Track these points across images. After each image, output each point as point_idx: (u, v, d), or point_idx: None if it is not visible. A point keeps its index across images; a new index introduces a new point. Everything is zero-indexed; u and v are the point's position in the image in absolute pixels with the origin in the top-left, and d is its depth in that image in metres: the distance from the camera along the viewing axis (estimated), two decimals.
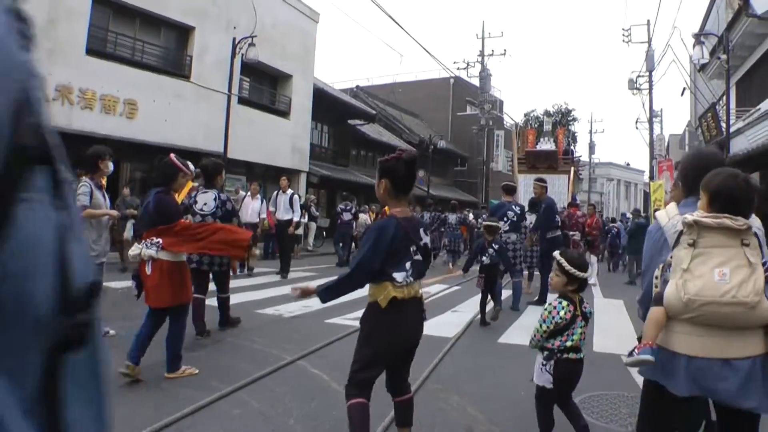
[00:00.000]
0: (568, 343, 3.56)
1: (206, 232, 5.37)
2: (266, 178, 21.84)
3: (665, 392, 2.54)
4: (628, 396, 4.79)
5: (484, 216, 23.81)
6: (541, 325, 3.61)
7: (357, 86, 37.22)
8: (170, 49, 17.54)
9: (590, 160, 51.89)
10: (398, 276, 3.14)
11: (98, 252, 5.98)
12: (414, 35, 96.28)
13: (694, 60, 17.12)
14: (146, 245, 4.92)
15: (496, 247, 8.10)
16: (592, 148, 52.01)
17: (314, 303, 8.92)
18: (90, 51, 14.51)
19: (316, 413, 4.28)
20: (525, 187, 20.24)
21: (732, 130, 17.35)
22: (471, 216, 22.33)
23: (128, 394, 4.51)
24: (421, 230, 3.33)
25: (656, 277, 2.62)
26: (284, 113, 22.01)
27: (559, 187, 22.79)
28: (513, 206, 9.95)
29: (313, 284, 3.33)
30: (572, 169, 23.00)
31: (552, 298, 3.92)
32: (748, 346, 2.39)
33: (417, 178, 3.20)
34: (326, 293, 3.17)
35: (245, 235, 5.87)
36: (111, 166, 6.23)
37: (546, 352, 3.61)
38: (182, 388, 4.74)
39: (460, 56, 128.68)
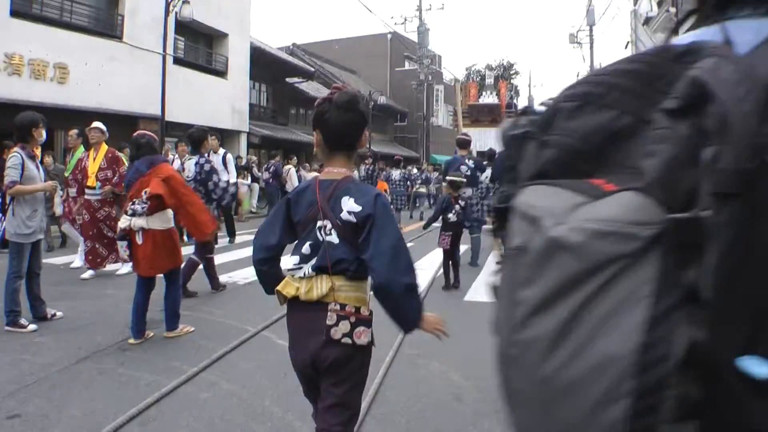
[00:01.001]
0: None
1: (186, 196, 5.42)
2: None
3: None
4: None
5: (423, 176, 24.08)
6: None
7: (294, 44, 36.50)
8: (101, 9, 16.80)
9: None
10: (287, 261, 2.34)
11: (33, 229, 5.58)
12: None
13: (641, 12, 17.19)
14: (135, 211, 5.03)
15: (462, 204, 7.85)
16: (531, 101, 52.56)
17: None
18: (15, 13, 13.80)
19: (290, 391, 3.75)
20: (475, 140, 20.42)
21: None
22: (414, 171, 22.41)
23: (85, 387, 4.14)
24: (346, 199, 2.25)
25: None
26: (222, 73, 21.55)
27: None
28: (466, 160, 9.75)
29: None
30: None
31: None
32: None
33: (360, 130, 2.37)
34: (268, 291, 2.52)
35: (211, 225, 5.88)
36: (44, 134, 5.83)
37: None
38: (142, 372, 4.43)
39: (397, 12, 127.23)
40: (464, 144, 10.13)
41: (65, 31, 15.12)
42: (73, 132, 8.94)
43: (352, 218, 2.20)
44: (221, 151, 10.97)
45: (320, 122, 2.32)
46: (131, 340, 5.14)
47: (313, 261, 2.24)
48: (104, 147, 8.21)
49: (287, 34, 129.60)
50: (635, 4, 27.88)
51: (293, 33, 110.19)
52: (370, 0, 45.88)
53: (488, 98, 24.18)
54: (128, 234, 5.13)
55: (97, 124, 8.26)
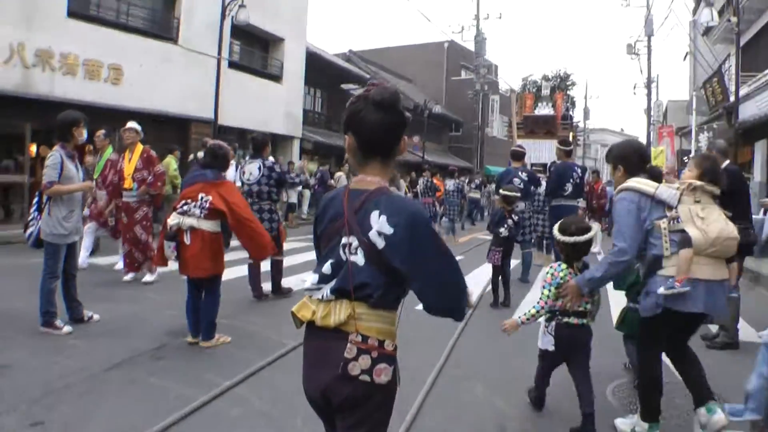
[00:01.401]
0: (568, 305, 3.66)
1: (248, 220, 5.43)
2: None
3: (665, 321, 3.49)
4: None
5: (476, 182, 23.47)
6: (543, 290, 3.82)
7: (350, 50, 36.37)
8: (157, 11, 16.72)
9: (585, 125, 51.33)
10: (309, 279, 2.01)
11: (69, 230, 5.36)
12: None
13: (701, 22, 16.40)
14: (188, 210, 5.08)
15: (515, 218, 7.37)
16: (587, 113, 51.46)
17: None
18: (71, 13, 13.71)
19: None
20: (529, 152, 19.76)
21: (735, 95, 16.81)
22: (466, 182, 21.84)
23: (114, 396, 3.98)
24: (376, 215, 1.89)
25: (664, 229, 3.40)
26: (276, 78, 21.29)
27: None
28: (520, 172, 9.25)
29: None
30: (571, 134, 22.50)
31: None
32: (725, 270, 3.47)
33: (399, 134, 2.01)
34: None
35: (271, 249, 5.85)
36: (85, 133, 5.59)
37: (548, 314, 3.79)
38: (174, 383, 4.25)
39: (454, 20, 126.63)
40: (518, 156, 9.67)
41: (121, 33, 15.03)
42: (101, 133, 8.68)
43: (381, 241, 1.88)
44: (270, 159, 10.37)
45: (353, 123, 1.98)
46: (189, 338, 5.24)
47: (333, 282, 1.93)
48: (139, 147, 7.92)
49: (345, 40, 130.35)
50: (694, 14, 26.88)
51: (351, 40, 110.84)
52: (427, 8, 45.51)
53: (544, 109, 23.43)
54: (177, 234, 5.09)
55: (131, 124, 7.93)
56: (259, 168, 7.16)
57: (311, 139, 23.12)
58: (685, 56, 28.05)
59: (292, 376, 4.35)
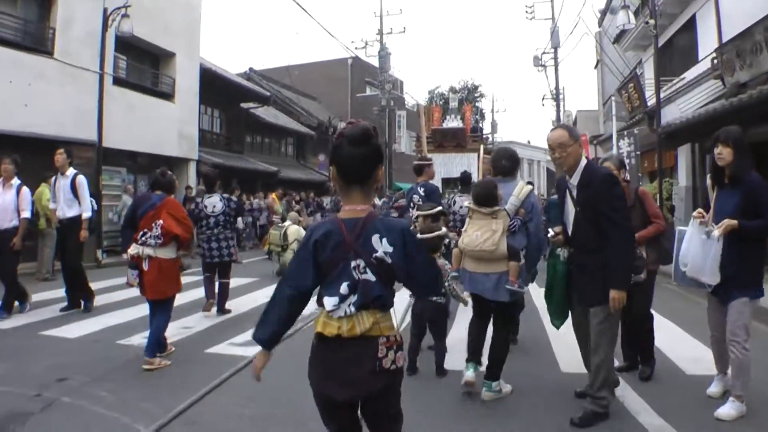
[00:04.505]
0: None
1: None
2: (152, 168, 19.60)
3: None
4: None
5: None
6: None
7: (250, 68, 35.01)
8: (29, 21, 14.87)
9: (493, 138, 51.71)
10: (327, 302, 2.33)
11: None
12: (310, 13, 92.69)
13: (618, 24, 16.21)
14: (144, 241, 5.66)
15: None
16: (494, 126, 51.92)
17: (192, 323, 7.91)
18: None
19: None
20: (438, 166, 18.91)
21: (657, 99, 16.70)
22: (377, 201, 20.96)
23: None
24: (377, 238, 2.34)
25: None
26: (168, 96, 19.63)
27: (469, 166, 21.78)
28: (418, 188, 8.12)
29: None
30: (481, 146, 22.00)
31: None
32: (496, 267, 4.70)
33: (374, 164, 2.39)
34: (258, 331, 2.44)
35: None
36: None
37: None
38: (111, 411, 4.36)
39: (357, 36, 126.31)
40: (417, 170, 8.40)
41: None
42: None
43: (388, 258, 2.35)
44: (71, 171, 8.56)
45: (334, 156, 2.39)
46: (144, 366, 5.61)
47: (353, 299, 2.31)
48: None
49: (245, 59, 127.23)
50: (600, 25, 27.29)
51: (251, 59, 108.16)
52: (330, 24, 44.83)
53: (452, 122, 22.84)
54: (138, 262, 5.68)
55: None
56: (221, 199, 8.51)
57: (209, 161, 21.53)
58: (597, 64, 28.33)
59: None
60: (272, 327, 2.41)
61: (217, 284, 8.50)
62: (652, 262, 5.18)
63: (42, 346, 6.52)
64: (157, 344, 5.77)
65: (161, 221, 5.67)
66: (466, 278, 4.92)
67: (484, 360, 4.99)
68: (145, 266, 5.63)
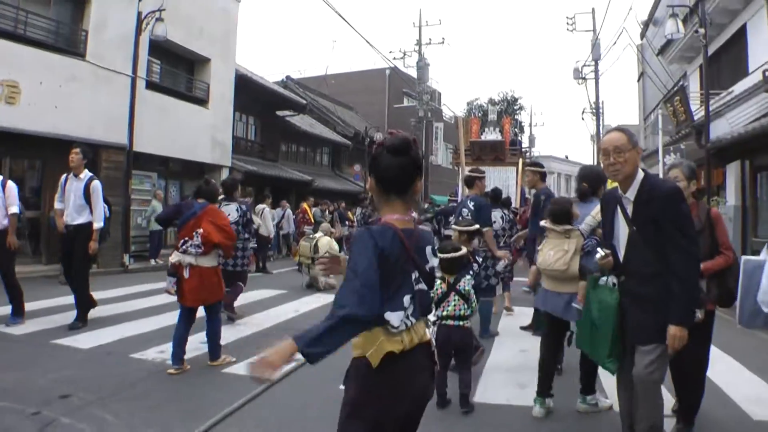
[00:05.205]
0: (444, 313, 4.87)
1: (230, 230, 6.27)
2: (183, 174, 19.35)
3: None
4: None
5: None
6: None
7: (287, 76, 34.83)
8: (62, 22, 14.64)
9: (530, 152, 50.85)
10: (393, 318, 2.17)
11: None
12: (349, 22, 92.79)
13: (666, 35, 15.34)
14: (185, 250, 5.79)
15: (480, 260, 6.36)
16: (532, 141, 51.01)
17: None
18: None
19: None
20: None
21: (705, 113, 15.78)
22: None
23: None
24: (428, 249, 2.40)
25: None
26: (202, 101, 19.32)
27: (507, 180, 21.07)
28: (468, 202, 7.53)
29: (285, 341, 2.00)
30: (520, 160, 21.26)
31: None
32: (568, 287, 4.74)
33: (413, 174, 2.32)
34: (311, 347, 1.97)
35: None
36: None
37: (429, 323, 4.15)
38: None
39: (396, 46, 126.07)
40: (468, 181, 7.88)
41: (18, 45, 12.98)
42: None
43: (436, 265, 2.44)
44: (86, 174, 7.88)
45: (373, 167, 2.36)
46: (170, 370, 5.67)
47: (412, 310, 2.26)
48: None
49: (282, 69, 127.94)
50: (642, 37, 26.41)
51: (288, 68, 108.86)
52: (368, 34, 44.66)
53: (491, 135, 22.18)
54: (177, 270, 5.79)
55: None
56: (237, 209, 8.39)
57: (242, 169, 21.20)
58: (639, 77, 27.41)
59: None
60: (327, 349, 2.00)
61: None
62: (712, 300, 4.25)
63: (51, 356, 6.17)
64: (218, 347, 6.10)
65: (201, 230, 5.81)
66: (540, 296, 5.07)
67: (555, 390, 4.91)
68: (186, 274, 5.76)
